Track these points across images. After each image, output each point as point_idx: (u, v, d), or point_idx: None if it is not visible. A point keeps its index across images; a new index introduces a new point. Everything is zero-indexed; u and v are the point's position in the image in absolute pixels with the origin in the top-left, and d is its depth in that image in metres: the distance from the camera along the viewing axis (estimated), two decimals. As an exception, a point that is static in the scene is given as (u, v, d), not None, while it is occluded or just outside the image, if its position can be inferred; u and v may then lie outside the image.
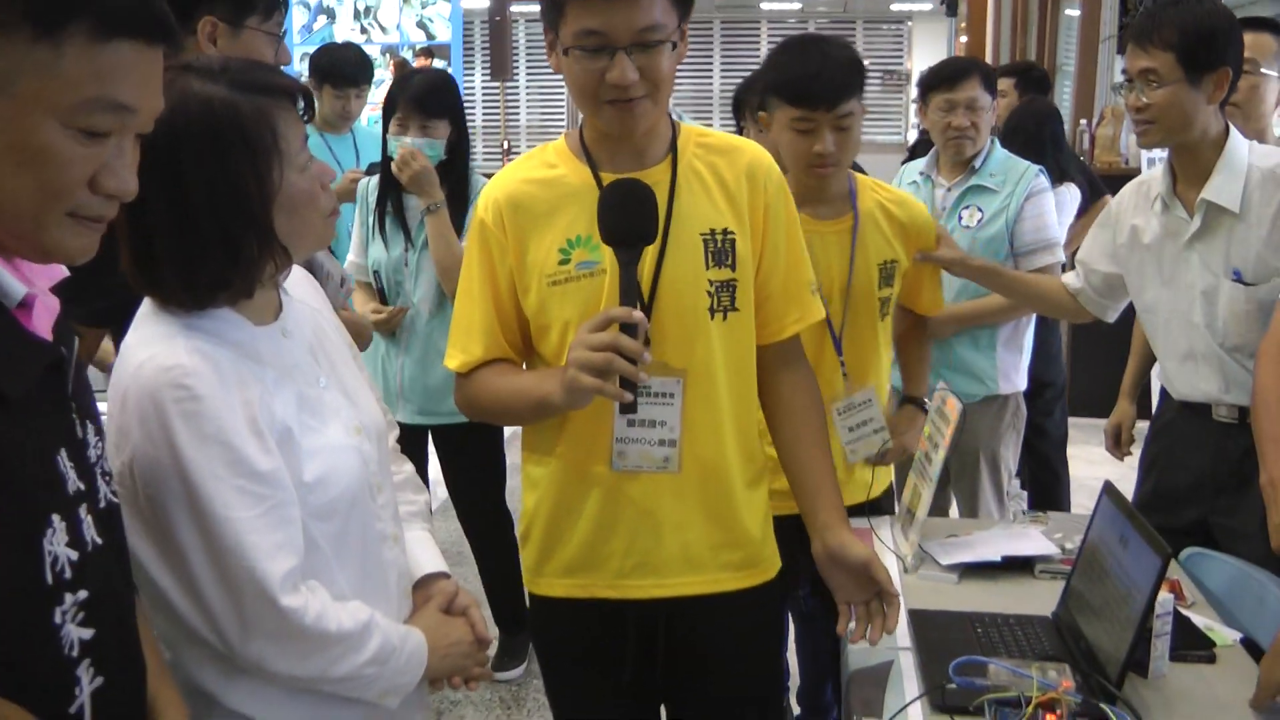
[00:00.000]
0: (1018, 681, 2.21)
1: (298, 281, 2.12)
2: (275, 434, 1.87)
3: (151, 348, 1.83)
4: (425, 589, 2.21)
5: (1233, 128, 3.18)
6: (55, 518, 1.45)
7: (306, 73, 5.76)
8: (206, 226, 1.82)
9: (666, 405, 2.34)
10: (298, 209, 1.90)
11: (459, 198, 4.27)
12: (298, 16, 16.65)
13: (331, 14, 16.80)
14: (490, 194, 2.43)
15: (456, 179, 4.30)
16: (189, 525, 1.79)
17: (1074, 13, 8.87)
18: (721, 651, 2.49)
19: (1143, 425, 3.81)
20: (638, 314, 2.12)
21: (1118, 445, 4.12)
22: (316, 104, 5.48)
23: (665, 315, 2.33)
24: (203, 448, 1.78)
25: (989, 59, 12.21)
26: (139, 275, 1.87)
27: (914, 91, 13.63)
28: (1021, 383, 4.44)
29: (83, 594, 1.49)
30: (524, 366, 2.49)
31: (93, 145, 1.41)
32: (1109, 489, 2.61)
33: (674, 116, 2.48)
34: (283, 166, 1.87)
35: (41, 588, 1.43)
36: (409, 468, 2.37)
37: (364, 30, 16.78)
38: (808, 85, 3.02)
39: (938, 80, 4.39)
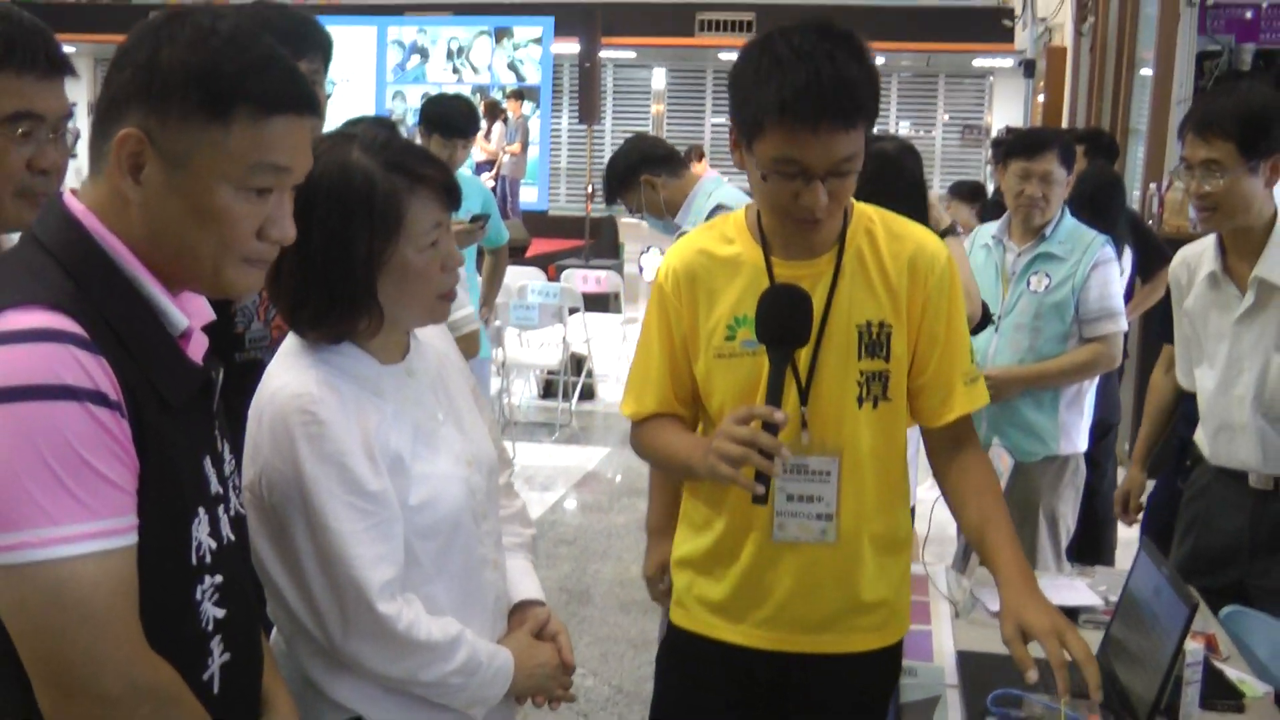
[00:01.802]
0: (1050, 715, 2.41)
1: (429, 328, 2.34)
2: (387, 460, 2.10)
3: (287, 376, 2.09)
4: (521, 613, 2.39)
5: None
6: (201, 510, 1.72)
7: (397, 112, 6.11)
8: (316, 272, 2.07)
9: (824, 483, 2.48)
10: (407, 280, 2.12)
11: None
12: (392, 55, 17.07)
13: (425, 54, 17.18)
14: (670, 263, 2.58)
15: None
16: (304, 532, 2.04)
17: (1149, 72, 9.00)
18: (839, 705, 2.62)
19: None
20: (780, 414, 2.25)
21: (1126, 512, 4.21)
22: None
23: (821, 399, 2.47)
24: (321, 466, 2.02)
25: (1065, 118, 12.35)
26: (274, 298, 2.14)
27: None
28: (1083, 444, 4.59)
29: (219, 578, 1.75)
30: (694, 419, 2.65)
31: (259, 202, 1.69)
32: (1146, 545, 2.81)
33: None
34: (400, 242, 2.09)
35: (187, 567, 1.69)
36: (519, 503, 2.58)
37: (456, 70, 17.16)
38: None
39: (1019, 148, 4.56)
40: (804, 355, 2.46)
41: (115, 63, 1.66)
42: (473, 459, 2.28)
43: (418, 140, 4.97)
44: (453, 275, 2.20)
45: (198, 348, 1.75)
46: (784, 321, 2.38)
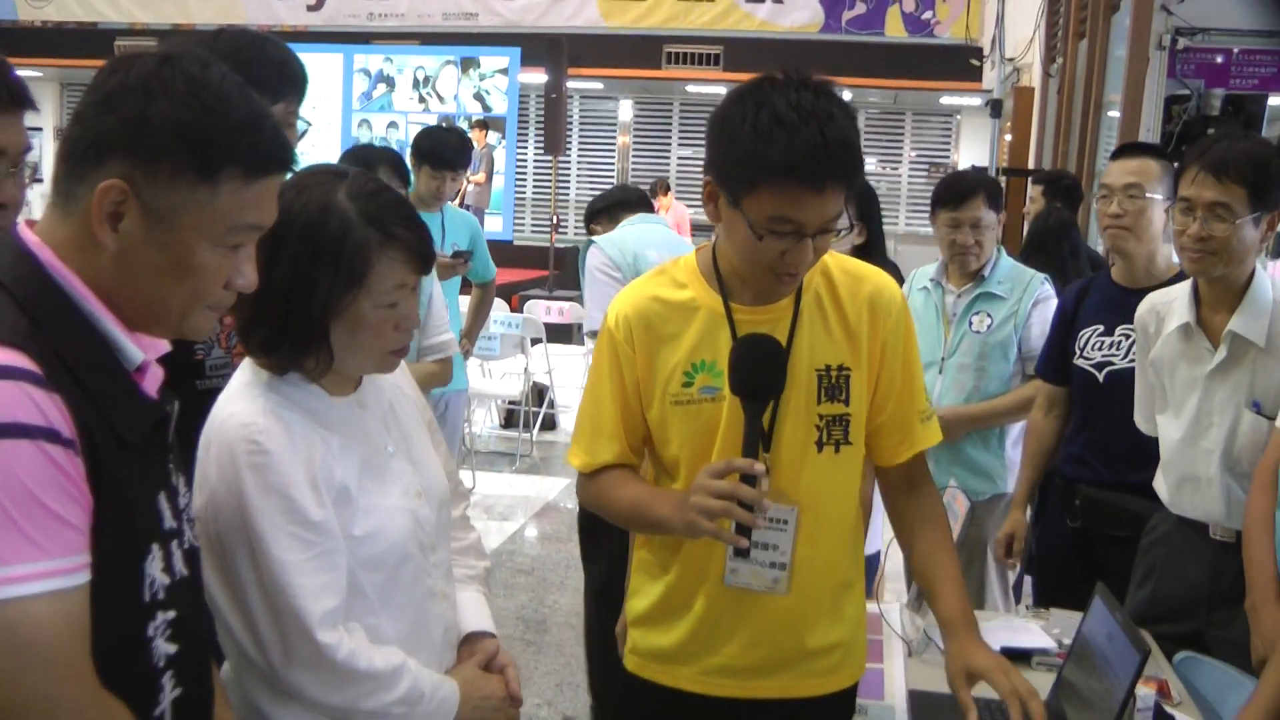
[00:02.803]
0: (998, 757, 2.40)
1: None
2: (332, 491, 2.12)
3: (236, 405, 2.12)
4: (470, 645, 2.41)
5: (1258, 264, 3.34)
6: (155, 546, 1.71)
7: (363, 140, 6.16)
8: (274, 302, 2.08)
9: (780, 531, 2.46)
10: (359, 332, 2.14)
11: None
12: (358, 84, 17.07)
13: (391, 83, 17.20)
14: (620, 309, 2.54)
15: None
16: (247, 561, 2.05)
17: (1116, 114, 9.04)
18: None
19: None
20: (759, 466, 2.25)
21: (1009, 555, 4.24)
22: (413, 181, 5.78)
23: (780, 446, 2.46)
24: (265, 496, 2.05)
25: (1031, 158, 12.41)
26: (233, 314, 2.11)
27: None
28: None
29: (171, 614, 1.74)
30: (642, 465, 2.63)
31: (231, 256, 1.72)
32: (1101, 590, 2.80)
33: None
34: (360, 294, 2.11)
35: (139, 604, 1.69)
36: (474, 535, 2.60)
37: (422, 100, 17.17)
38: None
39: (944, 198, 4.56)
40: (784, 384, 2.44)
41: (98, 103, 1.65)
42: (422, 491, 2.29)
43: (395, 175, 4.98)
44: (406, 335, 2.22)
45: (153, 381, 1.75)
46: (758, 373, 2.38)
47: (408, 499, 2.25)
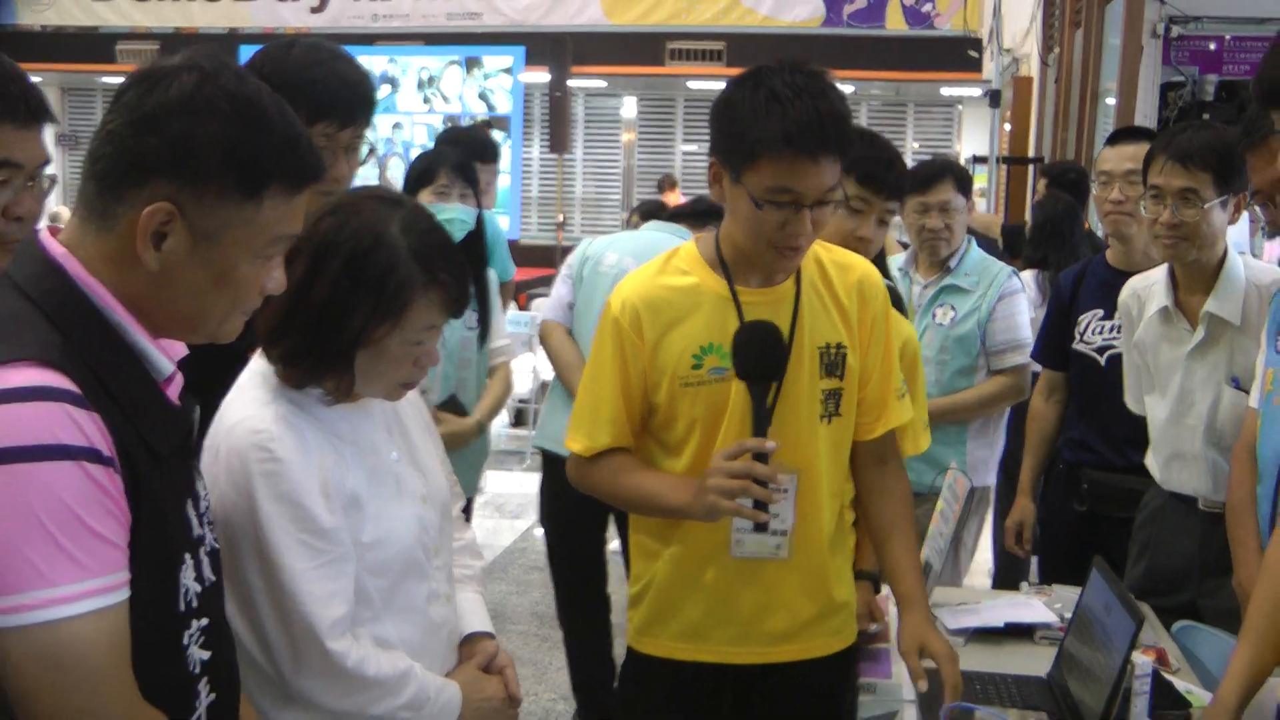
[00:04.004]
0: (1001, 726, 2.51)
1: None
2: (343, 499, 2.14)
3: (246, 410, 2.13)
4: (470, 646, 2.45)
5: (1230, 245, 3.46)
6: (187, 556, 1.76)
7: (367, 140, 6.13)
8: (306, 319, 2.11)
9: (783, 499, 2.56)
10: (378, 362, 2.16)
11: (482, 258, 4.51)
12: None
13: (395, 84, 17.24)
14: (625, 296, 2.66)
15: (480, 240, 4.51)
16: (256, 569, 2.08)
17: (1113, 102, 9.10)
18: (801, 710, 2.75)
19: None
20: (770, 443, 2.40)
21: (1019, 543, 4.31)
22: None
23: (784, 419, 2.58)
24: (276, 504, 2.07)
25: (1031, 147, 12.47)
26: (258, 318, 2.10)
27: (973, 173, 13.89)
28: (991, 477, 4.67)
29: (204, 621, 1.79)
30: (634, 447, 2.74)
31: (268, 265, 1.76)
32: (1098, 563, 2.89)
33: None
34: (391, 330, 2.13)
35: (176, 614, 1.73)
36: (470, 535, 2.64)
37: (426, 100, 17.21)
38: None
39: (912, 183, 4.51)
40: (785, 366, 2.57)
41: (137, 123, 1.63)
42: (427, 495, 2.33)
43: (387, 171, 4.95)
44: (422, 372, 2.25)
45: (176, 388, 1.77)
46: (761, 357, 2.50)
47: (414, 504, 2.28)
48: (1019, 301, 4.52)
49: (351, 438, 2.22)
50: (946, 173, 4.60)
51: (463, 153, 5.40)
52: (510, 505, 8.27)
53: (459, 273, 2.21)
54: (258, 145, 1.67)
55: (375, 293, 2.10)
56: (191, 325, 1.74)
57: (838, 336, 2.65)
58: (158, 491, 1.68)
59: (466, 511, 4.67)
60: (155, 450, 1.68)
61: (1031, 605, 3.37)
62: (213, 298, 1.71)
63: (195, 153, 1.63)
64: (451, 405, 4.39)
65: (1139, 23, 8.13)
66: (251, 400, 2.15)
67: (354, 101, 2.64)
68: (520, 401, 10.02)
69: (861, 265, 2.74)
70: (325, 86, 2.50)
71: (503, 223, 16.82)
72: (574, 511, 4.71)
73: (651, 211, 5.41)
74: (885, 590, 3.24)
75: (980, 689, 2.83)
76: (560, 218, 16.00)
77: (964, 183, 4.62)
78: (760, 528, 2.45)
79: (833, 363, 2.64)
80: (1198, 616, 3.40)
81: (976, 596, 3.54)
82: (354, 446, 2.21)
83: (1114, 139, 4.28)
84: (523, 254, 16.96)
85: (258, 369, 2.21)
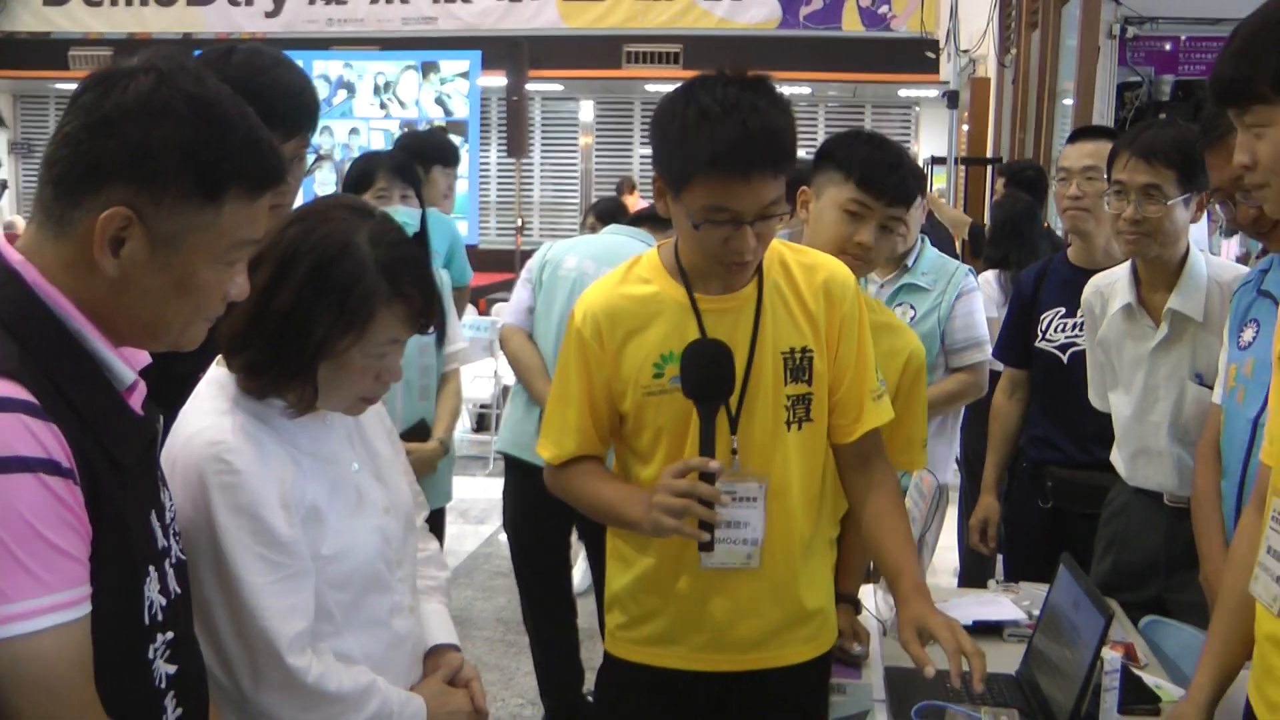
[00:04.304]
0: (972, 724, 2.50)
1: None
2: (302, 511, 2.10)
3: (204, 420, 2.08)
4: (435, 658, 2.41)
5: (1191, 243, 3.48)
6: (151, 568, 1.71)
7: (324, 147, 6.05)
8: (269, 328, 2.07)
9: (751, 508, 2.55)
10: (341, 374, 2.12)
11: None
12: (318, 90, 17.09)
13: (351, 89, 17.18)
14: (587, 306, 2.63)
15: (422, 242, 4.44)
16: (214, 583, 2.03)
17: (1070, 102, 9.17)
18: (778, 714, 2.71)
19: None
20: (714, 463, 2.37)
21: (984, 540, 4.34)
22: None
23: (749, 426, 2.56)
24: (234, 517, 2.02)
25: (990, 148, 12.54)
26: (221, 326, 2.06)
27: (931, 174, 13.93)
28: (949, 475, 4.68)
29: (170, 635, 1.76)
30: (609, 454, 2.74)
31: (230, 270, 1.73)
32: (1066, 559, 2.90)
33: None
34: (355, 342, 2.09)
35: (140, 627, 1.69)
36: (434, 545, 2.60)
37: (383, 105, 17.16)
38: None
39: None
40: (735, 384, 2.53)
41: (93, 126, 1.60)
42: (389, 506, 2.30)
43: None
44: (384, 387, 2.21)
45: (139, 397, 1.74)
46: (709, 377, 2.48)
47: (376, 515, 2.25)
48: (976, 299, 4.53)
49: (312, 449, 2.18)
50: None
51: (418, 156, 5.34)
52: (474, 510, 8.23)
53: (426, 288, 2.17)
54: (217, 148, 1.64)
55: (339, 303, 2.06)
56: (153, 332, 1.71)
57: (802, 341, 2.60)
58: (119, 503, 1.64)
59: (441, 519, 4.68)
60: (117, 461, 1.64)
61: (999, 603, 3.38)
62: (174, 304, 1.68)
63: (153, 156, 1.60)
64: (417, 432, 4.33)
65: (1096, 23, 8.20)
66: (210, 410, 2.10)
67: (298, 111, 2.57)
68: (482, 407, 10.01)
69: (829, 265, 2.66)
70: (268, 97, 2.33)
71: (461, 228, 16.72)
72: (537, 516, 4.70)
73: (608, 211, 5.39)
74: (865, 613, 3.25)
75: (950, 687, 2.81)
76: (519, 222, 15.95)
77: (919, 181, 4.60)
78: (705, 547, 2.42)
79: (798, 368, 2.60)
80: (1164, 611, 3.42)
81: (944, 595, 3.53)
82: (314, 458, 2.17)
83: (1074, 137, 4.31)
84: (481, 259, 16.90)
85: (216, 378, 2.16)
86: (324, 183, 15.28)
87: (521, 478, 4.71)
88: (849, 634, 3.04)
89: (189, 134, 1.62)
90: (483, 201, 18.08)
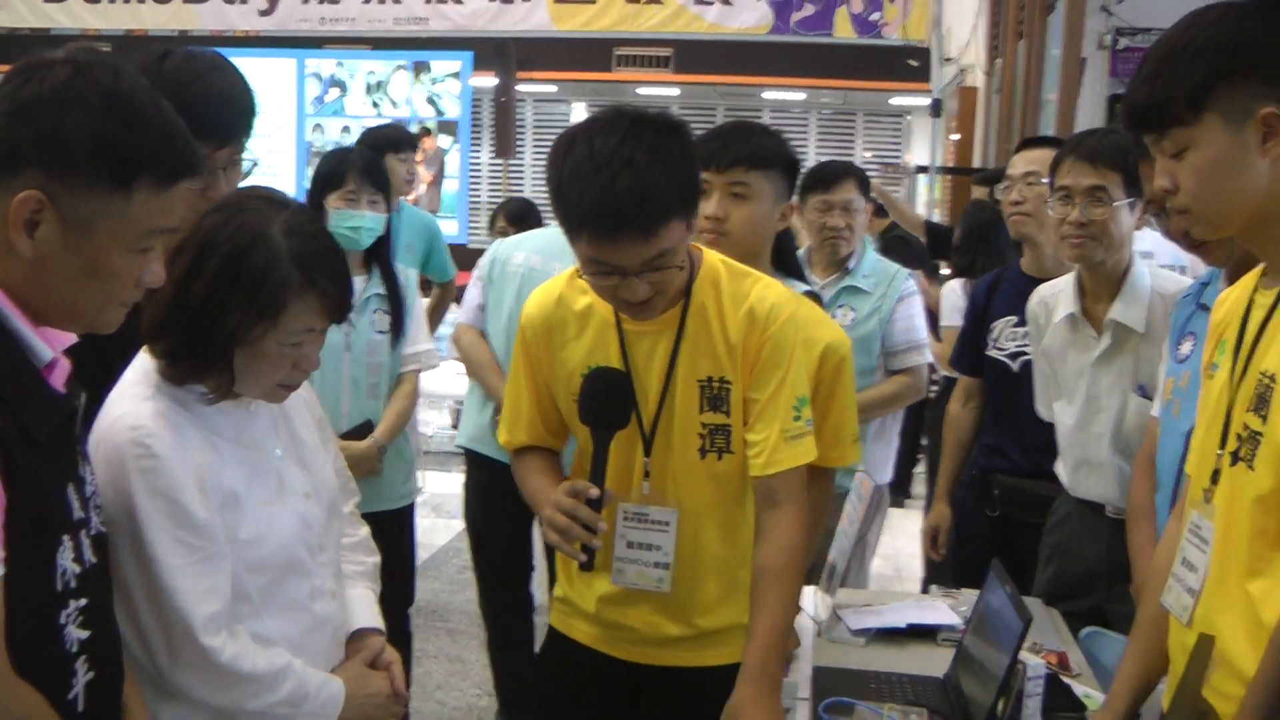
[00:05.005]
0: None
1: None
2: (219, 496, 2.16)
3: (125, 406, 2.14)
4: (357, 642, 2.46)
5: (1135, 254, 3.49)
6: (65, 538, 1.78)
7: (316, 144, 6.08)
8: (185, 316, 2.13)
9: (662, 532, 2.60)
10: (256, 362, 2.18)
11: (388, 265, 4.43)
12: (310, 88, 17.04)
13: (344, 87, 17.16)
14: (529, 309, 2.69)
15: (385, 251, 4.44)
16: (133, 563, 2.09)
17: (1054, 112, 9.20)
18: (700, 710, 2.65)
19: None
20: (595, 490, 2.44)
21: (935, 547, 4.38)
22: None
23: (665, 451, 2.59)
24: (152, 500, 2.08)
25: (976, 158, 12.57)
26: (145, 313, 2.15)
27: (918, 183, 13.97)
28: (888, 475, 4.77)
29: (82, 601, 1.82)
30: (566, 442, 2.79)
31: (143, 258, 1.79)
32: (995, 565, 2.92)
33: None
34: (268, 330, 2.15)
35: (52, 593, 1.76)
36: (364, 531, 2.64)
37: (375, 105, 17.15)
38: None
39: (815, 182, 4.63)
40: (649, 408, 2.57)
41: (11, 113, 1.69)
42: (311, 492, 2.34)
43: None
44: (302, 375, 2.26)
45: (60, 375, 1.79)
46: (603, 407, 2.53)
47: (296, 501, 2.30)
48: (916, 303, 4.62)
49: (233, 435, 2.23)
50: (849, 174, 4.70)
51: (375, 152, 5.20)
52: (448, 505, 8.26)
53: (339, 280, 2.23)
54: (128, 138, 1.72)
55: (250, 293, 2.12)
56: (68, 314, 1.77)
57: (720, 371, 2.56)
58: (34, 474, 1.70)
59: (408, 516, 4.68)
60: (32, 434, 1.70)
61: (936, 607, 3.40)
62: (88, 288, 1.75)
63: (65, 144, 1.68)
64: (360, 432, 4.31)
65: (1079, 34, 8.23)
66: (133, 396, 2.16)
67: (229, 119, 2.60)
68: (458, 403, 9.99)
69: (756, 292, 2.58)
70: (197, 106, 2.35)
71: (450, 227, 16.79)
72: (496, 510, 4.73)
73: (518, 213, 5.40)
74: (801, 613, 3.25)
75: (875, 687, 2.85)
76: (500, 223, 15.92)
77: (865, 185, 4.71)
78: (584, 566, 2.49)
79: (716, 397, 2.57)
80: (1105, 622, 3.43)
81: (882, 599, 3.57)
82: (234, 444, 2.23)
83: (1021, 146, 4.36)
84: (470, 258, 16.88)
85: (142, 364, 2.22)
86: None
87: (480, 471, 4.76)
88: None
89: (100, 124, 1.69)
90: (473, 201, 18.06)
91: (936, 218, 12.82)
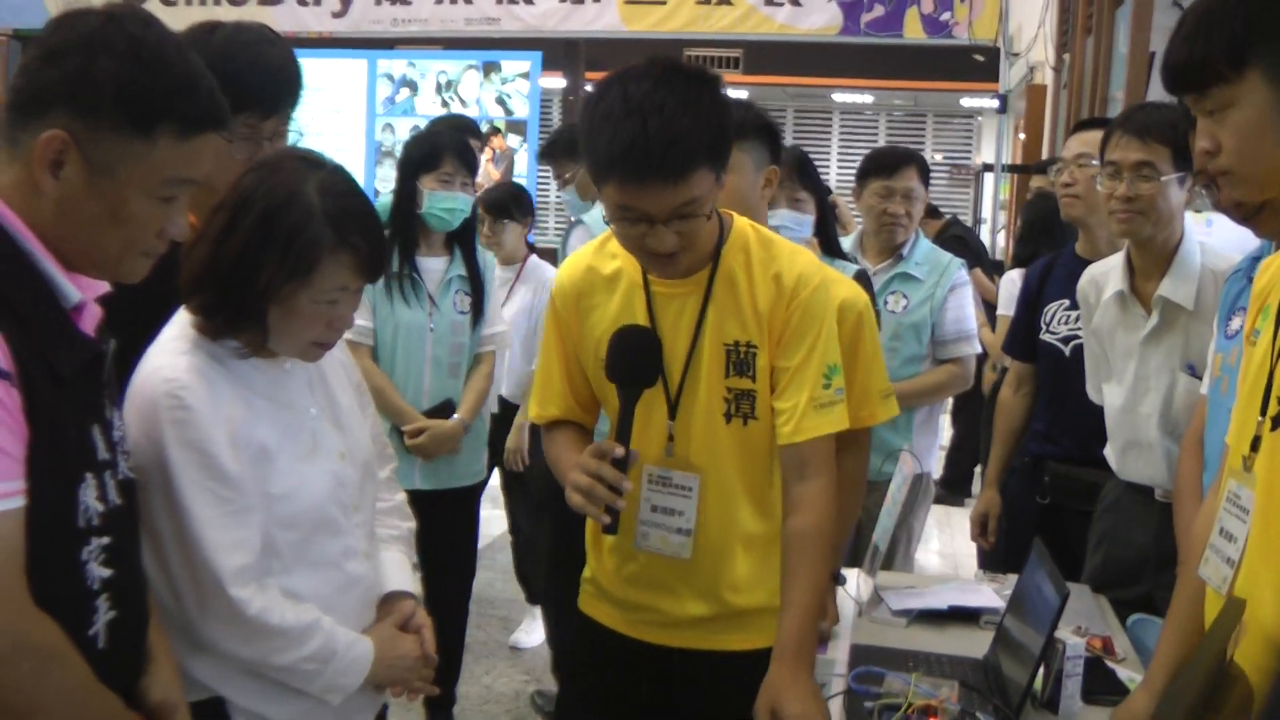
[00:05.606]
0: (906, 689, 2.50)
1: None
2: (251, 449, 2.19)
3: (162, 359, 2.19)
4: (389, 604, 2.48)
5: (1187, 229, 3.43)
6: (89, 475, 1.81)
7: (386, 144, 6.08)
8: (220, 272, 2.17)
9: (685, 498, 2.58)
10: (290, 320, 2.21)
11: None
12: (381, 89, 17.15)
13: (414, 87, 17.26)
14: (560, 277, 2.70)
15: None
16: (164, 514, 2.13)
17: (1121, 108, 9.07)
18: (721, 701, 2.63)
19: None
20: (620, 449, 2.39)
21: (984, 534, 4.31)
22: None
23: (688, 416, 2.57)
24: (184, 451, 2.12)
25: (1045, 155, 12.42)
26: (182, 274, 2.21)
27: (986, 183, 13.85)
28: (932, 464, 4.73)
29: (105, 540, 1.84)
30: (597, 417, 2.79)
31: (165, 207, 1.83)
32: (1036, 545, 2.88)
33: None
34: (300, 288, 2.17)
35: (74, 529, 1.79)
36: (400, 497, 2.67)
37: (445, 104, 17.23)
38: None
39: (877, 167, 4.60)
40: (675, 371, 2.54)
41: (42, 56, 1.75)
42: (346, 452, 2.36)
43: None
44: (336, 334, 2.29)
45: (90, 319, 1.84)
46: (631, 364, 2.51)
47: (330, 460, 2.32)
48: (967, 293, 4.59)
49: (267, 392, 2.26)
50: (911, 160, 4.65)
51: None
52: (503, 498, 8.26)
53: (373, 239, 2.25)
54: (150, 85, 1.77)
55: (283, 250, 2.15)
56: (91, 260, 1.82)
57: (746, 335, 2.53)
58: (57, 410, 1.74)
59: (475, 498, 4.80)
60: (57, 371, 1.75)
61: (979, 590, 3.37)
62: (109, 232, 1.80)
63: (89, 86, 1.74)
64: (443, 410, 4.46)
65: (1146, 29, 8.10)
66: (169, 350, 2.20)
67: (275, 91, 2.64)
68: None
69: (785, 258, 2.56)
70: (245, 77, 2.48)
71: (519, 227, 16.82)
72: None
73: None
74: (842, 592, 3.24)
75: (912, 666, 2.82)
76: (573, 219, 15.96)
77: (925, 173, 4.68)
78: (608, 529, 2.43)
79: (742, 362, 2.55)
80: (1154, 609, 3.34)
81: (926, 581, 3.53)
82: (268, 401, 2.26)
83: (1075, 128, 4.30)
84: (541, 256, 16.98)
85: (181, 321, 2.26)
86: (384, 179, 15.42)
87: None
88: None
89: (124, 69, 1.75)
90: (541, 201, 18.13)
91: (1003, 219, 12.71)
